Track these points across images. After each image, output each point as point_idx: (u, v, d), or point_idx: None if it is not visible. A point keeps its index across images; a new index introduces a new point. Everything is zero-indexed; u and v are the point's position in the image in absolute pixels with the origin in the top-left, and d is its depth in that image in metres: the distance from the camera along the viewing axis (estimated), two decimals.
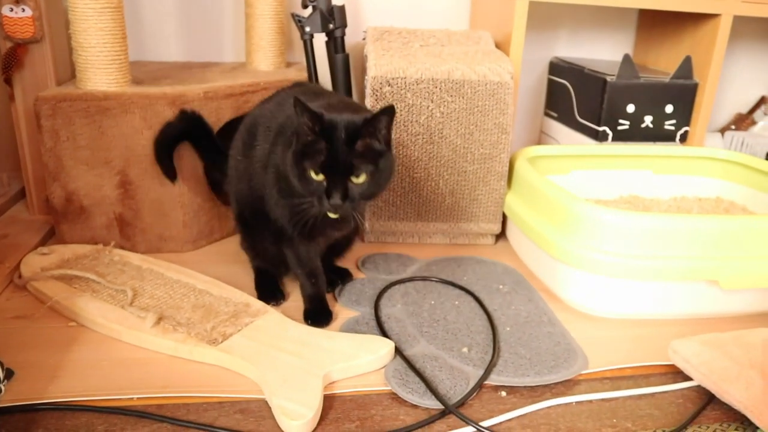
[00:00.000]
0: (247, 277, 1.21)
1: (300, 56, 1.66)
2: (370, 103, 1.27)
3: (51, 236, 1.35)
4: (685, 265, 1.09)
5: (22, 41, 1.30)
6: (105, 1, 1.20)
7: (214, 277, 1.16)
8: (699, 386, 0.95)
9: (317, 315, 1.09)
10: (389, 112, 0.91)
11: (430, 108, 1.28)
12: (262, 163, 1.07)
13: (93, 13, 1.20)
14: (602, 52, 1.87)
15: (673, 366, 0.99)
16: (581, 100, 1.61)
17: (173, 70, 1.49)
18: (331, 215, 0.95)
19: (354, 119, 0.92)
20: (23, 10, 1.28)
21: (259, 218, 1.09)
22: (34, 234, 1.33)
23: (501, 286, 1.22)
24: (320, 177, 0.91)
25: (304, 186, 0.93)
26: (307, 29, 1.48)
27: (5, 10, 1.28)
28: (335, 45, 1.51)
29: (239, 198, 1.16)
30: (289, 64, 1.60)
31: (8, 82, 1.33)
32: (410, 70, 1.26)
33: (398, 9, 1.70)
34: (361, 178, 0.92)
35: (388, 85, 1.26)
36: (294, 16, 1.47)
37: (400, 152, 1.30)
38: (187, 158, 1.27)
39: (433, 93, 1.27)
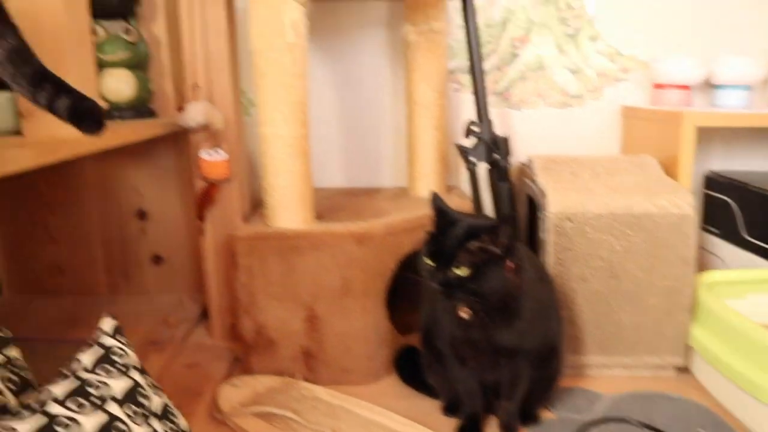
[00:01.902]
0: (431, 409, 1.23)
1: (457, 181, 1.72)
2: (552, 239, 1.28)
3: (235, 364, 1.40)
4: None
5: (216, 182, 1.42)
6: (298, 146, 1.29)
7: (398, 411, 1.17)
8: None
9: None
10: (510, 222, 1.07)
11: (610, 242, 1.28)
12: None
13: (285, 157, 1.30)
14: (757, 163, 1.82)
15: None
16: (748, 218, 1.57)
17: (343, 197, 1.58)
18: (463, 315, 1.04)
19: (476, 222, 1.02)
20: (218, 153, 1.40)
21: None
22: (222, 363, 1.39)
23: (701, 430, 1.17)
24: (430, 263, 1.01)
25: (422, 268, 1.04)
26: (472, 159, 1.53)
27: (203, 155, 1.40)
28: (499, 174, 1.54)
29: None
30: (449, 189, 1.64)
31: (201, 218, 1.44)
32: (589, 204, 1.27)
33: (549, 135, 1.76)
34: (461, 271, 0.98)
35: (569, 221, 1.27)
36: (459, 147, 1.53)
37: (581, 286, 1.30)
38: (370, 294, 1.31)
39: (613, 227, 1.27)
